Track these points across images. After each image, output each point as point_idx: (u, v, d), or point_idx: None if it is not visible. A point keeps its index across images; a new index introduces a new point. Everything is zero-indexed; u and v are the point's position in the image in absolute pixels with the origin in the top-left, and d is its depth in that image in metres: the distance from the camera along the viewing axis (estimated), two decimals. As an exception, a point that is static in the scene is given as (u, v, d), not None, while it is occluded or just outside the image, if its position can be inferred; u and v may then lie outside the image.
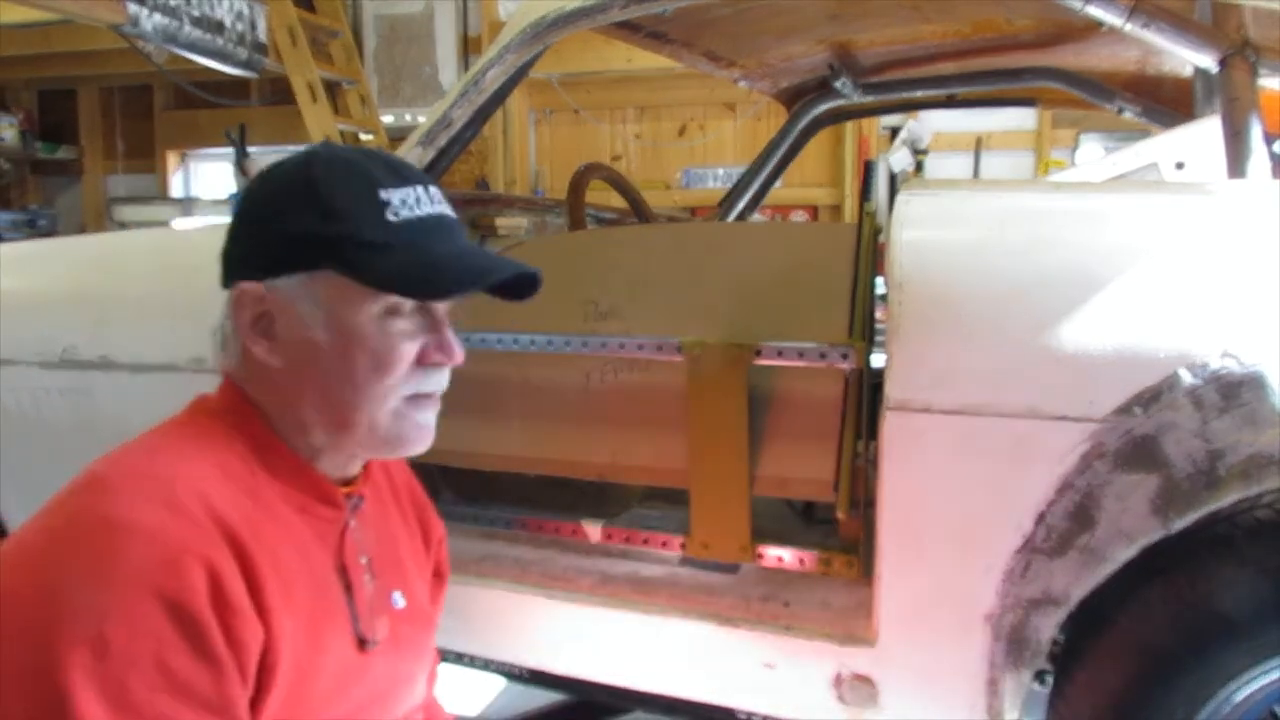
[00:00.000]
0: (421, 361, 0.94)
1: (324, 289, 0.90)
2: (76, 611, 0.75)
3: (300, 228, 0.90)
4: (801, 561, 1.55)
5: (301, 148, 0.99)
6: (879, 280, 1.54)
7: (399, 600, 1.04)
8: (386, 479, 1.12)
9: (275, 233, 0.91)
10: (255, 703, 0.83)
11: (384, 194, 0.91)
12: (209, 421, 0.93)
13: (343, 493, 0.99)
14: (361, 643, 0.97)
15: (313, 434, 0.94)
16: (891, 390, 1.25)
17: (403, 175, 0.94)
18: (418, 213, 0.93)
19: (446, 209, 0.97)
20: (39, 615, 0.75)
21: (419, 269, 0.91)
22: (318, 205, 0.90)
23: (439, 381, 0.97)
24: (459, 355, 0.96)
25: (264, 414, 0.94)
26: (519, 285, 1.01)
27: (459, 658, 1.65)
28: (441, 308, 0.96)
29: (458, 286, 0.94)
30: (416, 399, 0.95)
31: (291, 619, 0.87)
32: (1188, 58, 1.44)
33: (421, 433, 0.97)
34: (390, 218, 0.91)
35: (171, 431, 0.93)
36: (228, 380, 0.97)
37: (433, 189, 0.96)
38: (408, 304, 0.93)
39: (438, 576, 1.21)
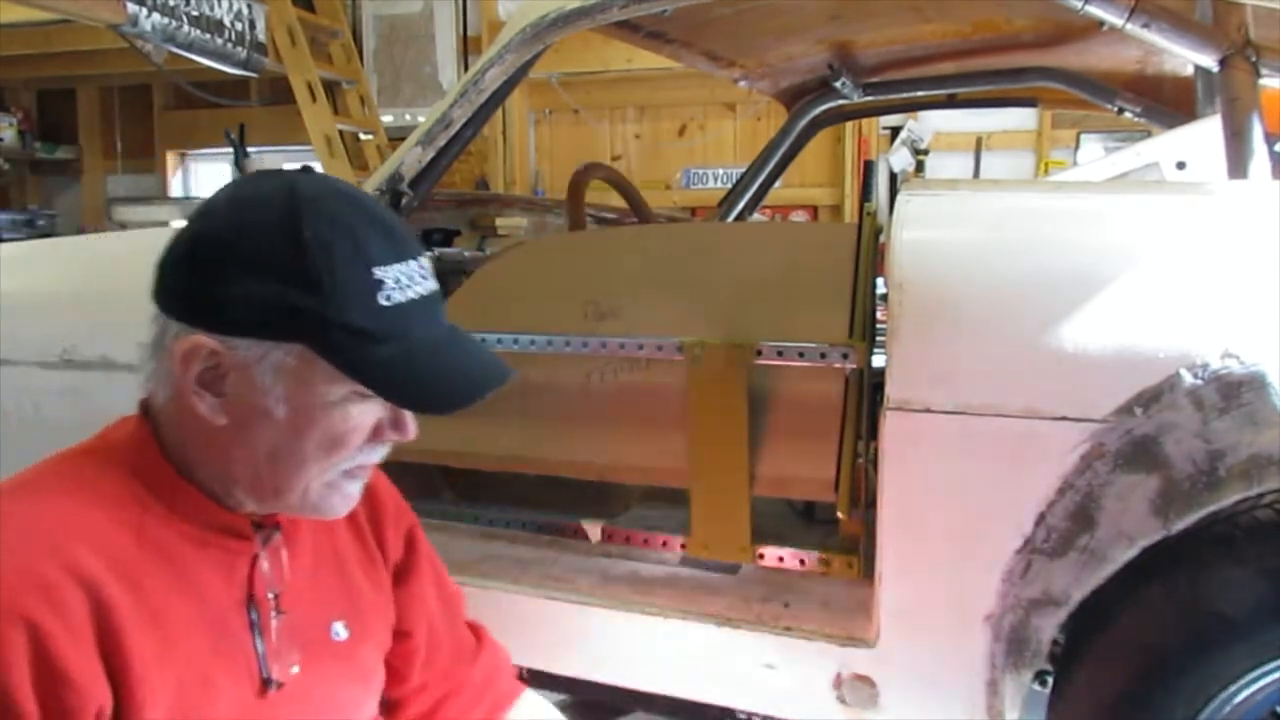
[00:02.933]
0: (374, 438, 0.89)
1: (290, 362, 0.83)
2: None
3: (282, 296, 0.81)
4: (801, 562, 1.55)
5: (281, 172, 0.87)
6: (879, 280, 1.54)
7: (340, 631, 0.97)
8: None
9: (248, 291, 0.81)
10: None
11: (378, 272, 0.83)
12: (108, 454, 0.87)
13: (252, 522, 0.91)
14: (265, 684, 0.90)
15: (234, 489, 0.88)
16: (891, 390, 1.25)
17: (397, 248, 0.86)
18: (409, 294, 0.85)
19: (433, 283, 0.89)
20: None
21: (409, 375, 0.85)
22: (305, 274, 0.80)
23: (382, 455, 0.92)
24: (413, 432, 0.90)
25: (174, 454, 0.88)
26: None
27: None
28: None
29: (446, 407, 0.87)
30: (353, 470, 0.90)
31: (171, 670, 0.82)
32: (1188, 57, 1.44)
33: (347, 502, 0.92)
34: (382, 301, 0.83)
35: (67, 463, 0.87)
36: (139, 416, 0.90)
37: (424, 260, 0.88)
38: None
39: (409, 573, 1.11)
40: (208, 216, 0.86)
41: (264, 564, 0.92)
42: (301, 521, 0.97)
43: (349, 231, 0.83)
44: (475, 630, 1.20)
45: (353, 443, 0.87)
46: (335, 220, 0.83)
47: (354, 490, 0.92)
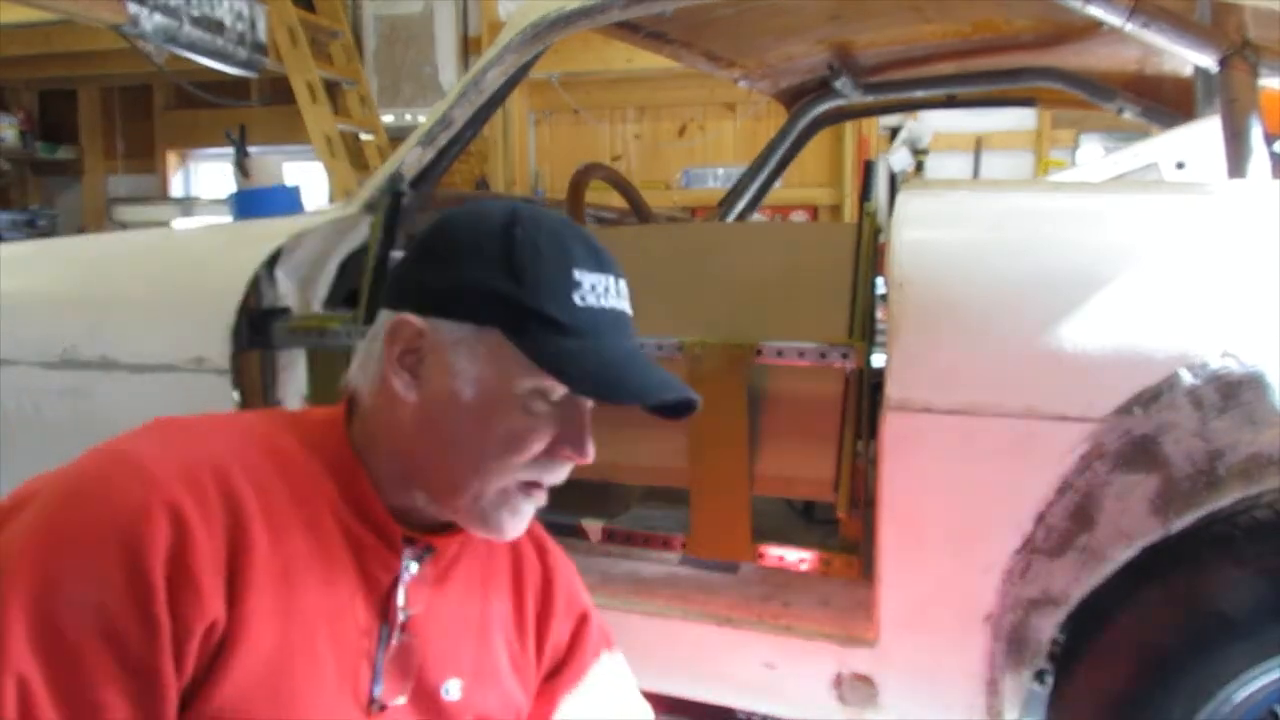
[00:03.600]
0: (551, 453, 0.90)
1: (485, 347, 0.87)
2: (50, 528, 0.75)
3: (484, 280, 0.86)
4: (802, 561, 1.55)
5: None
6: (879, 280, 1.54)
7: (452, 691, 0.95)
8: (511, 557, 1.04)
9: (456, 276, 0.87)
10: (199, 685, 0.78)
11: (578, 274, 0.87)
12: (298, 423, 0.93)
13: (406, 534, 0.92)
14: (370, 702, 0.89)
15: (412, 484, 0.91)
16: (891, 390, 1.25)
17: (600, 260, 0.90)
18: (604, 303, 0.89)
19: (629, 307, 0.92)
20: (23, 521, 0.76)
21: (593, 364, 0.87)
22: (509, 264, 0.86)
23: (559, 475, 0.93)
24: (591, 456, 0.91)
25: (361, 444, 0.91)
26: (677, 406, 0.94)
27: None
28: (588, 403, 0.91)
29: (633, 397, 0.88)
30: (529, 485, 0.91)
31: (281, 628, 0.81)
32: (1188, 58, 1.44)
33: (517, 523, 0.92)
34: (577, 300, 0.87)
35: (259, 417, 0.93)
36: (339, 413, 0.93)
37: (622, 283, 0.92)
38: (558, 390, 0.88)
39: (562, 671, 1.08)
40: (435, 225, 0.93)
41: (407, 579, 0.92)
42: (457, 572, 0.97)
43: (557, 237, 0.89)
44: None
45: (530, 447, 0.89)
46: (548, 229, 0.89)
47: (525, 510, 0.93)
